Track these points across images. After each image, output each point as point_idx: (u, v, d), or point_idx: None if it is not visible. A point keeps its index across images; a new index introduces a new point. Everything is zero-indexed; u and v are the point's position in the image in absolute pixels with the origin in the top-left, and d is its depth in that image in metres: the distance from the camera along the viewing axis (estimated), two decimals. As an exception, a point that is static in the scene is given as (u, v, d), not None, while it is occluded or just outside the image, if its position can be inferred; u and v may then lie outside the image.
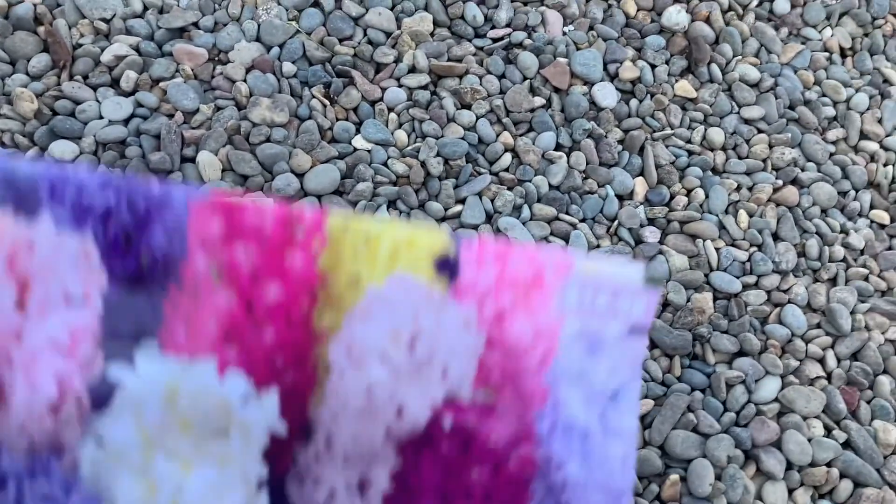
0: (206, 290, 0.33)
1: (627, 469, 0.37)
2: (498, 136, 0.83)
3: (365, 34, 0.85)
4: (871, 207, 0.91)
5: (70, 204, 0.32)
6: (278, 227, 0.33)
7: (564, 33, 0.91)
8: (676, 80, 0.92)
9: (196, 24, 0.83)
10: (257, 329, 0.33)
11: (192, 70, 0.80)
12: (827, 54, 0.98)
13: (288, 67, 0.81)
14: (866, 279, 0.86)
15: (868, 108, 0.95)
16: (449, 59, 0.85)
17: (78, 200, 0.32)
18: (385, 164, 0.79)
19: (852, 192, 0.91)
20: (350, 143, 0.79)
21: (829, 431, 0.77)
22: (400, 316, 0.34)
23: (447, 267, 0.35)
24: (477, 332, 0.35)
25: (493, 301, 0.35)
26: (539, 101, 0.86)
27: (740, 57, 0.95)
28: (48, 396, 0.32)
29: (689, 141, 0.89)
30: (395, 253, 0.34)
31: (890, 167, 0.92)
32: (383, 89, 0.82)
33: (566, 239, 0.81)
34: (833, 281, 0.86)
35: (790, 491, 0.75)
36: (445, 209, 0.78)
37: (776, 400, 0.78)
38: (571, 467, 0.36)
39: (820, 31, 0.99)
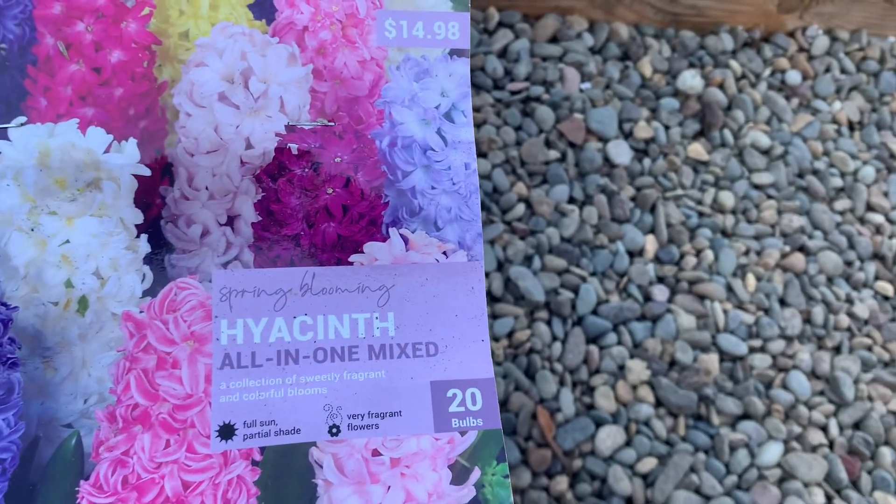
0: (58, 64, 0.37)
1: (471, 175, 0.40)
2: (512, 185, 0.85)
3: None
4: (876, 278, 0.87)
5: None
6: (110, 2, 0.38)
7: (581, 90, 0.93)
8: (689, 143, 0.92)
9: None
10: (108, 88, 0.37)
11: None
12: (836, 126, 0.97)
13: None
14: (870, 349, 0.82)
15: (875, 181, 0.93)
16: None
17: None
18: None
19: (858, 263, 0.87)
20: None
21: (829, 500, 0.73)
22: (229, 60, 0.37)
23: (263, 10, 0.39)
24: (303, 65, 0.39)
25: (313, 36, 0.39)
26: (554, 154, 0.87)
27: (752, 124, 0.95)
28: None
29: (699, 202, 0.88)
30: (215, 6, 0.39)
31: (895, 240, 0.89)
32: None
33: (576, 291, 0.79)
34: (837, 349, 0.82)
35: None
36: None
37: (778, 465, 0.74)
38: (417, 175, 0.39)
39: (829, 104, 0.99)
